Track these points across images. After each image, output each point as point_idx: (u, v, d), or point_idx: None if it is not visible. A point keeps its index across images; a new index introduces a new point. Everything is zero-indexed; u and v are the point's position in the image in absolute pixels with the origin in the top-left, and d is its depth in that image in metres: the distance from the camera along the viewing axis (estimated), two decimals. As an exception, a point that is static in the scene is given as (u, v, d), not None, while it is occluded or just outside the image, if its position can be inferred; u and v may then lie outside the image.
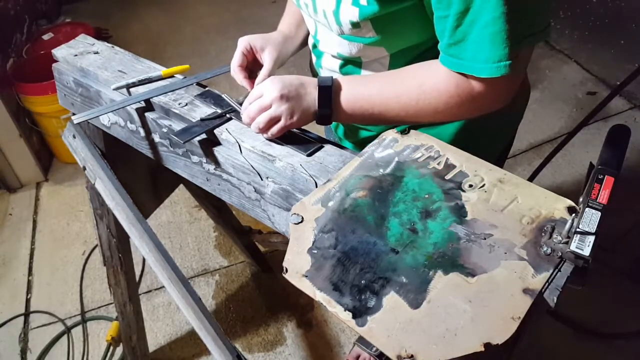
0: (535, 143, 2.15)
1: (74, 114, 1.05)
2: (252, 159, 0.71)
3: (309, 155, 0.69)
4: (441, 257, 0.53)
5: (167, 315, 1.68)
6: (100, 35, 2.94)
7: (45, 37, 2.42)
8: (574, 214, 0.56)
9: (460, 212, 0.57)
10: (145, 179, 1.25)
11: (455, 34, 0.60)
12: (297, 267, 0.52)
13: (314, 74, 0.92)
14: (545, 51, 2.68)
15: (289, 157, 0.69)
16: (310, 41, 0.85)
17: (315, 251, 0.54)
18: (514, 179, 0.62)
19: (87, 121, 1.01)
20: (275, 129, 0.70)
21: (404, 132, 0.68)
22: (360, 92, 0.69)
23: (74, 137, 1.04)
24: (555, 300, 0.53)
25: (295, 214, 0.58)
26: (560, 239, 0.54)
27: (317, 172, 0.67)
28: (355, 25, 0.67)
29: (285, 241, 1.54)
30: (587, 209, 0.54)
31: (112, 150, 1.04)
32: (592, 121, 2.29)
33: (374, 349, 0.48)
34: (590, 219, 0.53)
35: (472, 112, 0.68)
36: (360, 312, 0.48)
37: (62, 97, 1.00)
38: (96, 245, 1.90)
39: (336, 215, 0.58)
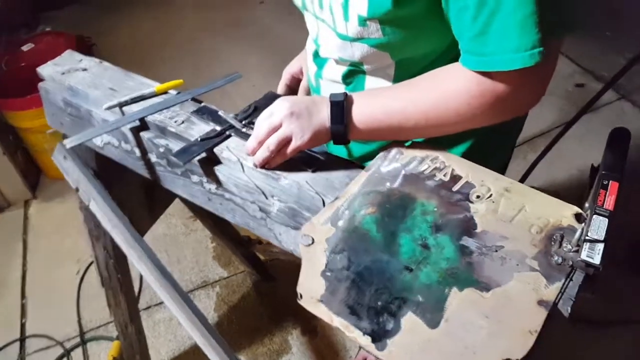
0: (527, 137, 2.16)
1: (64, 135, 1.03)
2: (256, 177, 0.70)
3: (314, 171, 0.68)
4: (455, 273, 0.52)
5: (169, 330, 1.66)
6: (84, 44, 2.87)
7: (25, 47, 2.34)
8: (583, 223, 0.56)
9: (470, 225, 0.57)
10: (139, 196, 1.23)
11: (476, 25, 0.54)
12: (311, 291, 0.51)
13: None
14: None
15: (293, 174, 0.68)
16: (311, 47, 0.82)
17: (329, 273, 0.53)
18: (520, 187, 0.61)
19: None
20: (288, 149, 0.66)
21: (408, 146, 0.67)
22: (376, 102, 0.66)
23: (65, 158, 1.02)
24: (569, 311, 0.53)
25: (305, 235, 0.57)
26: (570, 247, 0.54)
27: (324, 189, 0.65)
28: (362, 22, 0.63)
29: (286, 251, 1.53)
30: (594, 216, 0.54)
31: (105, 170, 1.02)
32: (582, 113, 2.32)
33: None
34: (599, 226, 0.53)
35: (500, 115, 0.62)
36: (379, 336, 0.47)
37: (50, 116, 0.98)
38: (91, 263, 1.87)
39: (347, 235, 0.57)
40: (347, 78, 0.77)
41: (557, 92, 2.38)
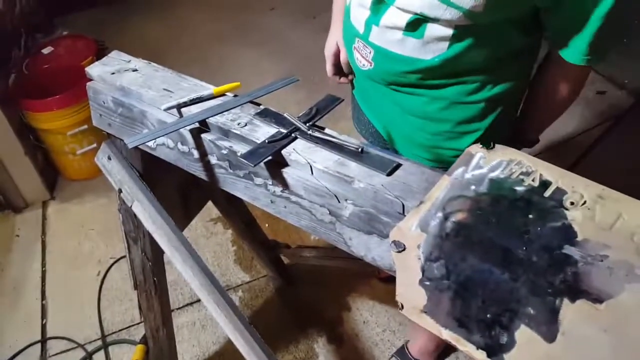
0: (550, 144, 2.14)
1: (108, 135, 1.00)
2: (326, 180, 0.68)
3: (389, 174, 0.66)
4: (562, 283, 0.50)
5: (193, 335, 1.63)
6: (98, 47, 2.86)
7: (45, 51, 2.34)
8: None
9: (569, 233, 0.54)
10: (175, 197, 1.21)
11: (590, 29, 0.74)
12: (412, 301, 0.49)
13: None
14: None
15: (367, 177, 0.66)
16: None
17: (428, 283, 0.51)
18: (613, 194, 0.59)
19: (123, 142, 0.96)
20: None
21: (489, 148, 0.65)
22: None
23: (109, 158, 0.99)
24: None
25: (396, 241, 0.55)
26: (675, 256, 0.52)
27: (402, 193, 0.63)
28: None
29: (320, 255, 1.50)
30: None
31: (148, 172, 1.00)
32: (604, 121, 2.31)
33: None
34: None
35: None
36: (494, 350, 0.45)
37: (97, 117, 0.95)
38: (112, 265, 1.84)
39: (439, 241, 0.55)
40: (412, 25, 0.80)
41: (578, 99, 2.37)
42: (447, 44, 0.81)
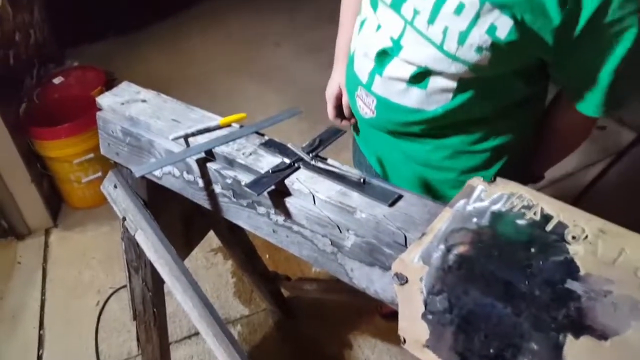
0: (554, 179, 2.15)
1: (115, 164, 1.01)
2: (329, 209, 0.68)
3: (391, 205, 0.66)
4: (566, 318, 0.49)
5: (191, 369, 1.60)
6: (107, 78, 2.93)
7: (56, 80, 2.40)
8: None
9: (571, 267, 0.54)
10: (178, 226, 1.21)
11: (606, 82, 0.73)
12: (415, 335, 0.48)
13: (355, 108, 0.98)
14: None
15: (369, 208, 0.66)
16: (377, 45, 0.83)
17: (430, 316, 0.50)
18: (615, 228, 0.59)
19: (129, 171, 0.98)
20: None
21: (491, 181, 0.65)
22: None
23: (115, 187, 1.00)
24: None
25: (398, 273, 0.55)
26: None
27: (404, 224, 0.63)
28: (479, 50, 0.69)
29: (322, 288, 1.49)
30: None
31: (153, 201, 1.01)
32: (605, 156, 2.32)
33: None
34: None
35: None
36: (497, 385, 0.44)
37: (105, 146, 0.96)
38: (111, 295, 1.83)
39: (442, 274, 0.54)
40: (416, 77, 0.80)
41: (579, 135, 2.39)
42: (450, 95, 0.81)
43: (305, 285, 1.46)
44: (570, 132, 0.90)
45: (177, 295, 0.97)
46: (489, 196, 0.64)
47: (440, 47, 0.74)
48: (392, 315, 1.79)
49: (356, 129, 1.11)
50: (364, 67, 0.88)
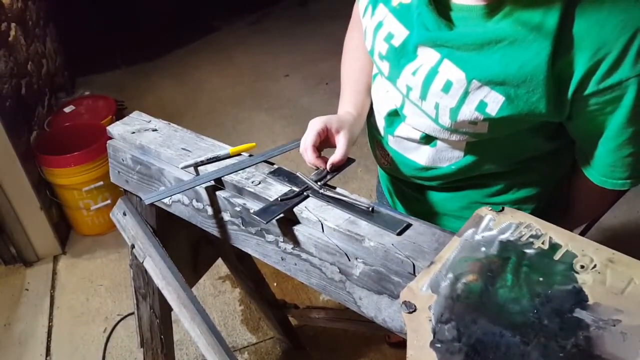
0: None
1: (125, 192, 1.03)
2: (337, 238, 0.69)
3: (399, 234, 0.67)
4: (575, 347, 0.49)
5: (196, 398, 1.58)
6: (117, 107, 2.99)
7: (67, 109, 2.45)
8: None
9: (580, 296, 0.54)
10: (186, 254, 1.22)
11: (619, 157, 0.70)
12: (424, 364, 0.48)
13: (374, 140, 0.94)
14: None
15: (378, 236, 0.67)
16: (388, 107, 0.84)
17: (439, 345, 0.50)
18: (624, 258, 0.59)
19: (139, 199, 0.99)
20: None
21: (499, 211, 0.66)
22: None
23: (124, 214, 1.02)
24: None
25: (406, 302, 0.55)
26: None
27: (413, 253, 0.64)
28: (473, 123, 0.70)
29: (330, 317, 1.48)
30: None
31: (162, 228, 1.02)
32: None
33: None
34: None
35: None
36: (508, 417, 0.44)
37: (115, 174, 0.98)
38: (118, 322, 1.82)
39: (450, 303, 0.55)
40: (424, 139, 0.80)
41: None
42: (462, 153, 0.79)
43: (313, 314, 1.45)
44: (585, 197, 0.84)
45: (184, 322, 0.97)
46: (497, 225, 0.64)
47: (435, 121, 0.74)
48: (400, 344, 1.76)
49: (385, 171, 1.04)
50: (379, 122, 0.89)
